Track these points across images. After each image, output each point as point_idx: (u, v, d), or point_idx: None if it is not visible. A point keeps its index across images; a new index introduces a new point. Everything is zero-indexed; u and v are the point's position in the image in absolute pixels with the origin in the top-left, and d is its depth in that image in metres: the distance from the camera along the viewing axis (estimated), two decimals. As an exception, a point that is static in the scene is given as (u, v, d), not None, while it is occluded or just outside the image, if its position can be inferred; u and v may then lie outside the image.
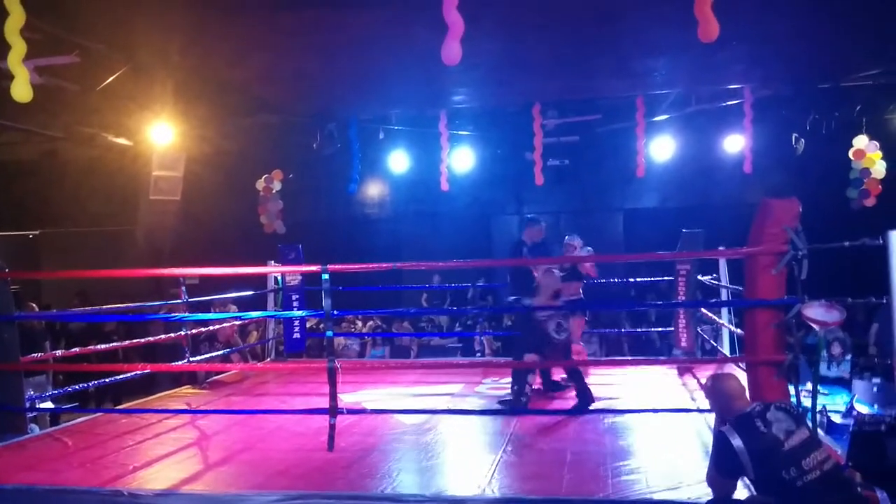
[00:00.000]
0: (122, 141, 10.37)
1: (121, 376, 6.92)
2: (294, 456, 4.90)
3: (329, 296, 5.09)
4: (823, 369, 8.02)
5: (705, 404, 5.81)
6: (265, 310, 8.76)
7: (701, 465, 3.82)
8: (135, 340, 7.66)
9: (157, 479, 4.47)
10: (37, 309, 8.57)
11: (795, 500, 3.12)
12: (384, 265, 5.26)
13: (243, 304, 8.99)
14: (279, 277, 8.77)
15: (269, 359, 9.01)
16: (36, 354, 6.36)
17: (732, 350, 7.55)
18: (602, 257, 7.47)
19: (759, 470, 3.18)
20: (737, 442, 3.22)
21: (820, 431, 5.02)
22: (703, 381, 6.81)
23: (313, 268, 5.24)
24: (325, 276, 5.06)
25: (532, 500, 3.93)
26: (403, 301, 12.76)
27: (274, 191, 11.20)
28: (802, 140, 9.40)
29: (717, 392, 3.56)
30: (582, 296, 7.30)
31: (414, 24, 6.14)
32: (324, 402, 5.11)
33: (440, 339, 11.65)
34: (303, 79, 8.60)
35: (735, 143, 10.14)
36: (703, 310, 8.23)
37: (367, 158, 11.31)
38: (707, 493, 3.53)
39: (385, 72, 8.19)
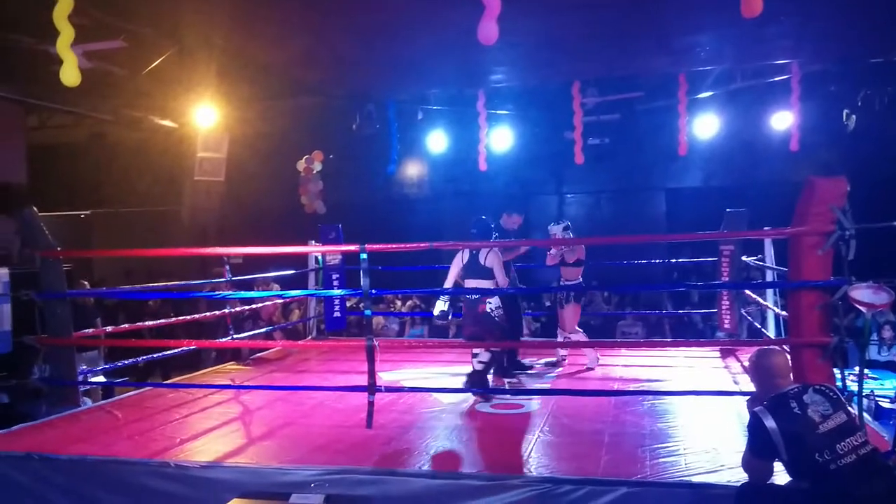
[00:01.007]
0: (167, 123, 10.58)
1: (168, 352, 7.11)
2: (334, 432, 4.98)
3: (367, 275, 5.13)
4: (873, 353, 7.88)
5: (748, 387, 5.77)
6: (306, 289, 8.88)
7: (742, 449, 3.78)
8: (181, 318, 7.85)
9: (202, 451, 4.59)
10: (88, 286, 8.81)
11: (829, 483, 3.08)
12: (421, 245, 5.27)
13: (285, 283, 9.12)
14: (320, 257, 8.86)
15: (310, 337, 9.13)
16: (88, 330, 6.55)
17: (778, 333, 7.43)
18: (579, 240, 7.44)
19: (792, 452, 3.15)
20: (770, 423, 3.19)
21: (867, 416, 4.92)
22: (746, 363, 6.78)
23: (352, 247, 5.29)
24: (364, 256, 5.11)
25: (569, 479, 3.92)
26: (443, 281, 12.81)
27: (314, 171, 11.30)
28: (854, 116, 9.13)
29: (761, 367, 3.50)
30: (581, 281, 7.22)
31: (451, 3, 6.12)
32: (363, 380, 5.18)
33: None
34: (342, 60, 8.64)
35: (782, 121, 9.89)
36: (747, 291, 8.10)
37: (405, 139, 11.34)
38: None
39: (423, 52, 8.17)
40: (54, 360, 5.79)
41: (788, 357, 3.64)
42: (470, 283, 5.99)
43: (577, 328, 7.22)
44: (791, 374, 3.51)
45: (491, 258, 5.87)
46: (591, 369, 7.10)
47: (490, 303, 5.84)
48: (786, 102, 9.58)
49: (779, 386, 3.36)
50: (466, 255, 6.01)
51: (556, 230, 7.11)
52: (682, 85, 9.73)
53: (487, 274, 5.89)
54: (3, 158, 11.36)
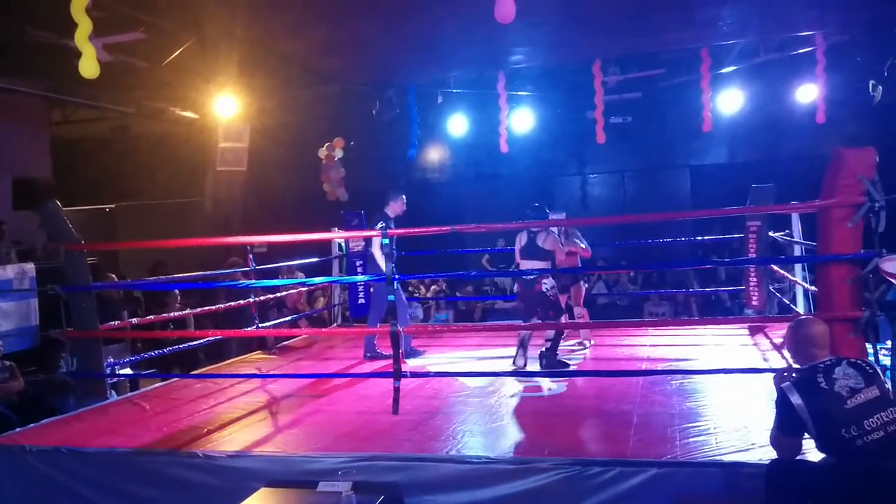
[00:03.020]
0: (189, 114, 10.62)
1: (193, 343, 7.15)
2: (360, 418, 4.98)
3: (391, 260, 5.11)
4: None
5: (777, 364, 5.69)
6: (330, 276, 8.89)
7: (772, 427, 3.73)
8: (205, 308, 7.88)
9: (230, 441, 4.60)
10: (116, 279, 8.89)
11: (855, 459, 3.03)
12: (443, 228, 5.24)
13: (309, 271, 9.13)
14: (343, 244, 8.86)
15: (335, 324, 9.16)
16: (114, 323, 6.59)
17: (808, 309, 7.32)
18: (573, 221, 7.43)
19: (819, 427, 3.11)
20: (796, 399, 3.15)
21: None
22: (776, 340, 6.68)
23: (374, 233, 5.28)
24: (385, 241, 5.09)
25: (598, 461, 3.89)
26: (467, 265, 12.80)
27: (336, 159, 11.30)
28: (880, 87, 8.92)
29: (798, 337, 3.43)
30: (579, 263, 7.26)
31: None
32: (388, 366, 5.16)
33: (504, 301, 11.65)
34: (361, 46, 8.60)
35: (807, 93, 9.71)
36: (775, 267, 7.97)
37: (426, 123, 11.28)
38: (778, 454, 3.44)
39: (443, 34, 8.12)
40: (81, 353, 5.85)
41: (827, 327, 3.52)
42: (526, 264, 6.27)
43: (583, 307, 7.31)
44: (829, 345, 3.41)
45: (550, 241, 6.20)
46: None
47: (545, 283, 6.13)
48: (811, 75, 9.39)
49: (815, 357, 3.30)
50: (524, 237, 6.32)
51: (560, 217, 7.20)
52: (704, 60, 9.58)
53: (545, 255, 6.19)
54: (28, 154, 11.49)
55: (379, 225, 6.67)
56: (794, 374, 3.35)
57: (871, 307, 4.52)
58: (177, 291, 8.75)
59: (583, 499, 3.79)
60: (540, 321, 6.28)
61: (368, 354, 7.10)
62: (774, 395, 3.40)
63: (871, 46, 8.93)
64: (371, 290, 7.53)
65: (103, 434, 4.87)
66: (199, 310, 7.80)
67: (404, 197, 7.02)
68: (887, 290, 6.74)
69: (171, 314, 7.68)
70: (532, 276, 6.13)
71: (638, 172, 13.68)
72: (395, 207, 6.95)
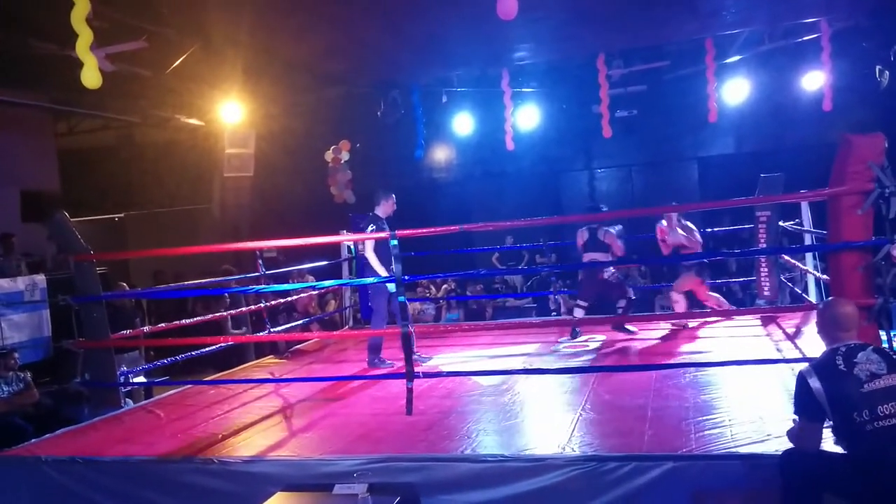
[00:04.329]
0: (194, 121, 10.66)
1: (205, 349, 7.16)
2: (375, 420, 4.97)
3: (399, 261, 5.11)
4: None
5: (791, 354, 5.66)
6: (340, 279, 8.88)
7: (788, 418, 3.70)
8: (215, 314, 7.90)
9: (245, 446, 4.60)
10: (127, 288, 8.92)
11: (863, 445, 3.01)
12: (451, 228, 5.21)
13: (319, 275, 9.13)
14: (352, 246, 8.86)
15: (347, 326, 9.16)
16: (126, 332, 6.62)
17: (820, 297, 7.27)
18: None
19: (836, 411, 3.09)
20: (815, 383, 3.12)
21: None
22: (788, 330, 6.64)
23: (382, 234, 5.27)
24: (394, 242, 5.08)
25: (613, 457, 3.87)
26: (477, 264, 12.79)
27: (342, 161, 11.31)
28: (887, 72, 8.85)
29: (825, 318, 3.41)
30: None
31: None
32: (401, 367, 5.15)
33: (514, 299, 11.63)
34: (365, 47, 8.59)
35: (813, 81, 9.66)
36: (786, 256, 7.93)
37: (431, 123, 11.28)
38: (796, 445, 3.41)
39: (446, 33, 8.10)
40: (94, 362, 5.85)
41: (856, 309, 3.48)
42: (590, 256, 7.23)
43: (680, 293, 7.62)
44: (856, 328, 3.37)
45: (609, 236, 7.08)
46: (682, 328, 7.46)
47: (607, 271, 7.25)
48: (817, 62, 9.34)
49: (840, 339, 3.28)
50: (586, 233, 7.23)
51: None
52: (709, 50, 9.54)
53: (605, 248, 7.12)
54: (35, 166, 11.55)
55: (370, 227, 6.62)
56: (812, 361, 3.32)
57: (884, 294, 4.49)
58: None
59: (599, 495, 3.78)
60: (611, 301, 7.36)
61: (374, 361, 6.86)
62: (788, 385, 3.38)
63: (876, 31, 8.87)
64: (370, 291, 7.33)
65: (118, 443, 4.87)
66: (209, 316, 7.82)
67: (394, 197, 6.96)
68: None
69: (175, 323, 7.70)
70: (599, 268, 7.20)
71: (645, 166, 13.64)
72: (385, 208, 6.88)
